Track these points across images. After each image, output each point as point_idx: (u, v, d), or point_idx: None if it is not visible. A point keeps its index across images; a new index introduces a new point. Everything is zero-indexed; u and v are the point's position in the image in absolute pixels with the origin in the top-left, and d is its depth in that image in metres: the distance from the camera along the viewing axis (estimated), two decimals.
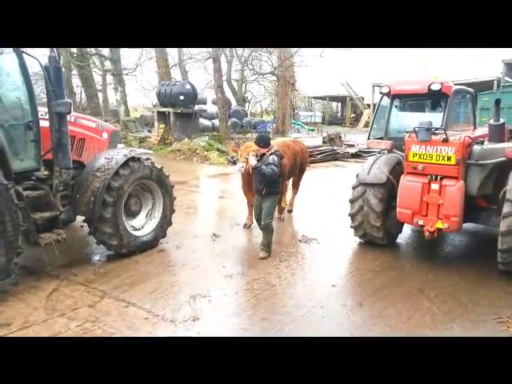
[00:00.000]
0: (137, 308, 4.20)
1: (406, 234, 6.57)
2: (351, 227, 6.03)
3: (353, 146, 18.24)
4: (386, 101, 6.65)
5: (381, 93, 6.48)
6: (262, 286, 4.74)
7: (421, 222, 5.32)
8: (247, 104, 35.83)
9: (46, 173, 5.22)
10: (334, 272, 5.19)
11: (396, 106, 6.51)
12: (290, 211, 7.84)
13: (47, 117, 5.04)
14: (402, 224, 5.98)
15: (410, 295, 4.60)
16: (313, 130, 25.65)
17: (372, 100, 31.23)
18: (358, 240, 6.21)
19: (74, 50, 21.70)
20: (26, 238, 4.66)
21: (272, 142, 5.89)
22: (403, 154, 5.61)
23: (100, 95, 27.75)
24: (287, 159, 6.80)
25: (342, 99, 37.85)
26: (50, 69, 4.87)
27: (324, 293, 4.60)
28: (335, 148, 16.47)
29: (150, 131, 19.93)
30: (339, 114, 41.51)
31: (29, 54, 4.84)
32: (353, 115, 36.52)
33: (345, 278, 5.11)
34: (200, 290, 4.63)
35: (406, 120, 6.51)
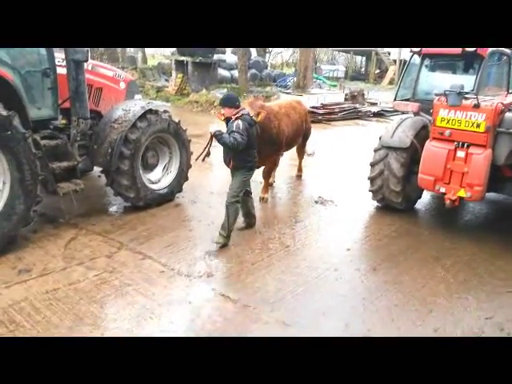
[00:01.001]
0: (153, 261, 4.27)
1: (424, 199, 6.44)
2: (370, 191, 5.92)
3: (375, 104, 17.64)
4: (416, 59, 6.29)
5: (411, 51, 6.11)
6: (277, 246, 4.75)
7: (442, 190, 5.17)
8: (267, 55, 34.64)
9: (64, 122, 5.18)
10: (349, 235, 5.16)
11: (426, 66, 6.15)
12: (299, 176, 7.43)
13: (64, 64, 4.92)
14: (422, 190, 5.84)
15: (426, 263, 4.56)
16: (335, 86, 24.80)
17: (399, 56, 29.87)
18: (375, 204, 6.12)
19: None
20: (44, 186, 4.71)
21: (247, 103, 4.91)
22: (430, 118, 5.37)
23: None
24: (291, 123, 6.14)
25: (366, 53, 36.20)
26: None
27: (338, 256, 4.59)
28: (357, 106, 15.94)
29: (167, 80, 19.53)
30: (363, 70, 39.91)
31: None
32: (377, 71, 35.05)
33: (360, 241, 5.08)
34: (214, 246, 4.66)
35: (435, 82, 6.17)
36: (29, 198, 4.26)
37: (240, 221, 5.05)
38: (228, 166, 4.68)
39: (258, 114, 4.62)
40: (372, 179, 5.81)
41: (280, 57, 42.60)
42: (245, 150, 4.47)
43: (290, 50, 39.39)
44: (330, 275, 4.19)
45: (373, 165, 5.78)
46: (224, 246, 4.61)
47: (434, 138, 5.24)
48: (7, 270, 3.91)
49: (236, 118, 4.40)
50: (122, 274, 3.98)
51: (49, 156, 4.69)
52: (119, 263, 4.18)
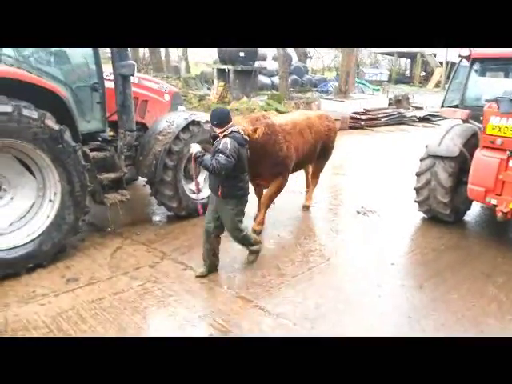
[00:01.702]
0: (194, 272, 4.32)
1: (474, 211, 6.13)
2: (415, 201, 5.70)
3: (421, 108, 17.07)
4: (465, 63, 6.01)
5: (460, 56, 5.84)
6: (318, 259, 4.67)
7: (494, 202, 4.88)
8: (308, 60, 34.47)
9: (111, 134, 5.39)
10: (393, 249, 4.98)
11: (476, 71, 5.86)
12: (306, 207, 6.13)
13: (111, 78, 5.12)
14: (472, 201, 5.55)
15: (476, 279, 4.32)
16: (378, 90, 24.25)
17: (445, 57, 28.78)
18: (421, 215, 5.88)
19: None
20: (92, 197, 4.90)
21: (241, 119, 4.53)
22: (480, 126, 5.10)
23: (162, 51, 27.94)
24: (303, 144, 5.33)
25: (411, 56, 35.17)
26: None
27: (382, 270, 4.44)
28: (402, 111, 15.50)
29: (209, 89, 19.89)
30: (408, 72, 38.76)
31: None
32: (423, 73, 33.98)
33: (405, 255, 4.89)
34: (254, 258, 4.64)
35: (486, 87, 5.88)
36: (78, 209, 4.45)
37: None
38: (216, 195, 3.96)
39: (255, 130, 4.15)
40: (418, 189, 5.60)
41: (321, 62, 42.27)
42: (234, 175, 3.81)
43: (332, 54, 39.00)
44: (373, 291, 4.06)
45: (419, 174, 5.57)
46: (253, 261, 4.46)
47: (484, 147, 4.97)
48: (57, 279, 4.09)
49: (224, 136, 3.77)
50: (165, 284, 4.05)
51: (97, 167, 4.88)
52: (162, 273, 4.27)
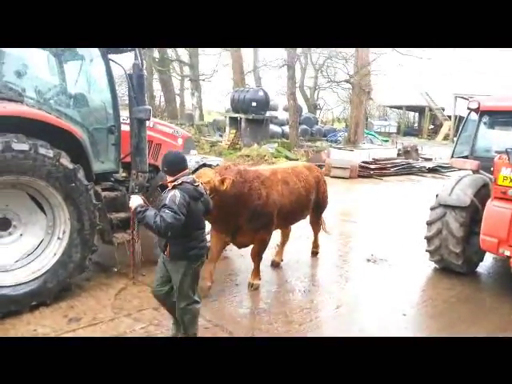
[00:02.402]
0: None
1: (487, 262, 5.98)
2: (427, 251, 5.60)
3: (430, 159, 17.22)
4: (474, 116, 6.12)
5: (469, 108, 5.97)
6: (326, 307, 4.54)
7: (507, 253, 4.77)
8: (318, 111, 35.45)
9: (124, 175, 5.48)
10: (404, 299, 4.83)
11: (485, 123, 5.96)
12: (314, 253, 6.04)
13: (127, 121, 5.29)
14: (485, 252, 5.44)
15: (489, 335, 4.13)
16: (387, 141, 24.64)
17: (453, 111, 29.39)
18: (432, 265, 5.75)
19: (156, 55, 22.90)
20: (101, 236, 4.90)
21: (208, 170, 4.19)
22: (491, 176, 5.10)
23: (177, 99, 29.04)
24: (290, 193, 4.86)
25: (419, 109, 36.03)
26: (133, 76, 5.09)
27: (393, 322, 4.29)
28: (411, 161, 15.64)
29: (221, 136, 20.43)
30: (416, 125, 39.54)
31: (115, 62, 5.12)
32: (431, 127, 34.58)
33: (417, 306, 4.73)
34: (260, 303, 4.55)
35: (495, 139, 5.95)
36: (86, 247, 4.45)
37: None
38: (163, 254, 3.37)
39: (222, 181, 3.89)
40: (429, 239, 5.52)
41: (331, 113, 43.42)
42: (186, 233, 3.20)
43: (341, 106, 40.09)
44: None
45: (430, 223, 5.51)
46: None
47: (496, 198, 4.93)
48: (59, 318, 4.01)
49: (173, 187, 3.19)
50: (167, 327, 3.93)
51: (108, 207, 4.93)
52: (165, 316, 4.13)
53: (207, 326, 4.03)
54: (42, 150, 4.05)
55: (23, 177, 4.02)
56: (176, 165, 3.34)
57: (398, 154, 17.13)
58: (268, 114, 18.58)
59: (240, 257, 5.93)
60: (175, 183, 3.22)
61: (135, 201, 3.27)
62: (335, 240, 6.93)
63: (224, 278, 5.18)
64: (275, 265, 5.60)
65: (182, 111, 28.02)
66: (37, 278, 4.18)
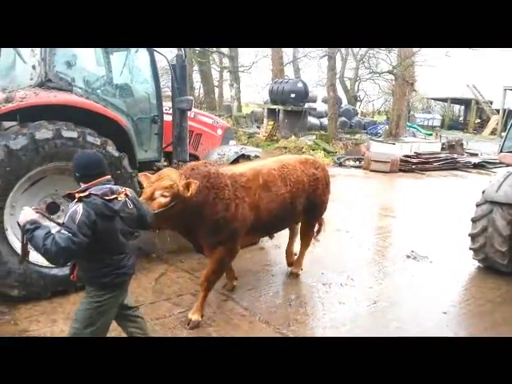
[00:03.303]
0: (235, 303, 4.29)
1: None
2: (470, 249, 5.40)
3: (476, 155, 16.48)
4: None
5: None
6: (362, 302, 4.48)
7: None
8: (358, 103, 34.70)
9: (165, 164, 5.61)
10: (446, 297, 4.69)
11: None
12: (295, 274, 4.99)
13: (170, 111, 5.41)
14: None
15: None
16: (430, 135, 23.77)
17: (502, 105, 27.93)
18: (476, 264, 5.54)
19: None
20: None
21: (170, 170, 3.54)
22: None
23: (216, 91, 29.29)
24: (268, 196, 4.02)
25: (465, 102, 34.47)
26: (176, 67, 5.19)
27: (433, 319, 4.17)
28: (455, 156, 15.04)
29: (258, 127, 20.44)
30: (461, 119, 37.87)
31: (159, 52, 5.23)
32: (478, 120, 33.04)
33: (459, 305, 4.58)
34: (296, 294, 4.56)
35: None
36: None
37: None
38: (70, 277, 2.77)
39: (187, 186, 3.28)
40: (473, 236, 5.31)
41: (371, 105, 42.39)
42: (97, 258, 2.60)
43: (382, 98, 39.05)
44: None
45: (475, 220, 5.30)
46: None
47: None
48: None
49: (79, 199, 2.48)
50: (205, 313, 4.02)
51: None
52: (205, 303, 4.25)
53: (244, 313, 4.09)
54: (89, 138, 4.22)
55: (72, 163, 4.20)
56: (89, 169, 2.62)
57: (442, 149, 16.51)
58: (306, 105, 18.37)
59: (276, 248, 5.96)
60: (81, 195, 2.49)
61: (26, 215, 2.44)
62: (374, 235, 6.81)
63: (260, 268, 5.23)
64: (295, 276, 4.94)
65: (221, 103, 28.23)
66: None
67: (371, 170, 12.89)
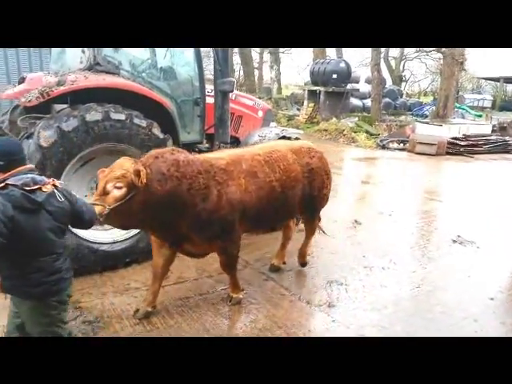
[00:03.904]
0: (275, 283, 4.35)
1: None
2: None
3: None
4: None
5: None
6: (405, 286, 4.41)
7: None
8: (404, 83, 33.40)
9: (207, 146, 5.70)
10: (493, 283, 4.52)
11: None
12: (302, 264, 4.68)
13: (212, 94, 5.46)
14: None
15: None
16: (480, 116, 22.54)
17: None
18: None
19: None
20: None
21: (124, 159, 3.09)
22: None
23: (256, 73, 29.12)
24: (256, 182, 3.57)
25: None
26: (218, 49, 5.21)
27: (479, 305, 4.04)
28: (507, 139, 14.22)
29: (298, 109, 20.20)
30: None
31: None
32: None
33: (507, 291, 4.40)
34: (337, 276, 4.54)
35: None
36: None
37: None
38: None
39: (137, 173, 2.89)
40: None
41: (417, 85, 40.67)
42: (18, 262, 2.26)
43: (429, 78, 37.37)
44: (468, 326, 3.70)
45: None
46: None
47: None
48: (148, 274, 4.35)
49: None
50: (246, 291, 4.12)
51: None
52: (244, 281, 4.34)
53: (284, 293, 4.15)
54: (136, 120, 4.36)
55: (120, 145, 4.37)
56: (8, 156, 2.29)
57: (493, 131, 15.63)
58: (349, 86, 17.92)
59: (316, 230, 5.94)
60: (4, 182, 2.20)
61: None
62: (418, 219, 6.63)
63: None
64: (273, 269, 4.56)
65: (260, 85, 28.09)
66: (130, 238, 4.58)
67: (416, 153, 12.47)
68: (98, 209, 2.75)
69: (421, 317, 3.81)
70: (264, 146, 4.02)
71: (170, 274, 4.38)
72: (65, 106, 4.30)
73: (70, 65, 4.79)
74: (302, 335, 3.47)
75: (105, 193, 2.87)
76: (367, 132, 14.85)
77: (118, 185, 2.87)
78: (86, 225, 2.66)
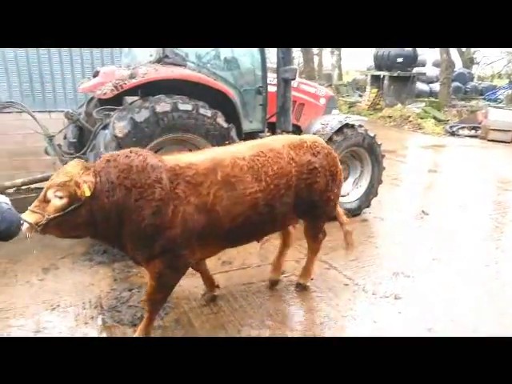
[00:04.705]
0: (337, 272, 4.32)
1: None
2: None
3: None
4: None
5: None
6: (476, 280, 4.19)
7: None
8: (475, 66, 31.08)
9: (268, 134, 5.74)
10: None
11: None
12: (301, 285, 3.97)
13: (274, 82, 5.47)
14: None
15: None
16: None
17: None
18: None
19: None
20: None
21: (76, 163, 2.73)
22: None
23: (316, 59, 28.56)
24: (229, 196, 2.96)
25: None
26: None
27: None
28: None
29: (360, 96, 19.59)
30: None
31: None
32: None
33: None
34: (403, 268, 4.41)
35: None
36: None
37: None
38: None
39: (78, 186, 2.54)
40: None
41: (490, 68, 37.69)
42: None
43: (504, 59, 34.44)
44: None
45: None
46: None
47: None
48: (214, 260, 4.51)
49: None
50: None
51: None
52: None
53: (347, 282, 4.11)
54: (202, 110, 4.50)
55: (186, 134, 4.54)
56: None
57: None
58: (415, 70, 17.05)
59: (380, 220, 5.80)
60: None
61: None
62: (491, 210, 6.23)
63: (363, 239, 5.15)
64: (271, 283, 3.99)
65: (320, 71, 27.53)
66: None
67: (489, 140, 11.65)
68: (35, 217, 2.51)
69: (492, 312, 3.61)
70: (255, 145, 3.34)
71: (234, 261, 4.52)
72: (135, 97, 4.54)
73: (140, 58, 5.03)
74: (366, 325, 3.43)
75: (45, 200, 2.57)
76: (435, 118, 14.09)
77: (59, 194, 2.55)
78: (5, 236, 2.42)
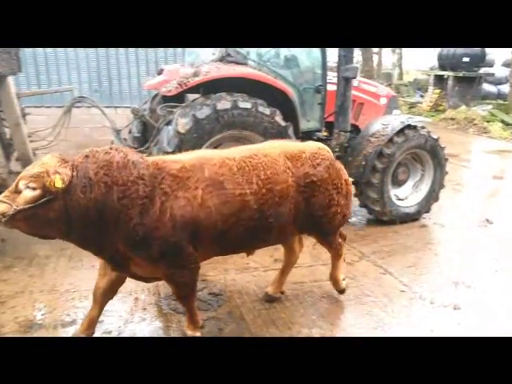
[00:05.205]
0: (393, 278, 4.20)
1: None
2: None
3: None
4: None
5: None
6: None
7: None
8: None
9: (325, 134, 5.69)
10: None
11: None
12: (339, 291, 3.79)
13: (333, 81, 5.40)
14: None
15: None
16: None
17: None
18: None
19: None
20: None
21: (52, 156, 2.58)
22: None
23: (375, 58, 27.78)
24: (222, 203, 2.78)
25: None
26: None
27: None
28: None
29: (422, 96, 18.80)
30: None
31: None
32: None
33: None
34: (463, 277, 4.20)
35: None
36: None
37: None
38: None
39: (48, 175, 2.41)
40: None
41: None
42: None
43: None
44: None
45: None
46: None
47: None
48: (266, 257, 4.57)
49: None
50: (362, 283, 4.06)
51: None
52: (360, 272, 4.28)
53: (403, 289, 3.98)
54: (260, 108, 4.55)
55: (245, 131, 4.61)
56: None
57: None
58: (482, 70, 16.07)
59: (440, 226, 5.56)
60: None
61: None
62: None
63: (421, 246, 4.96)
64: (268, 299, 3.73)
65: (379, 70, 26.75)
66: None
67: None
68: (2, 207, 2.37)
69: None
70: (247, 149, 3.17)
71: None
72: (197, 95, 4.68)
73: (203, 56, 5.17)
74: (423, 334, 3.31)
75: (16, 191, 2.43)
76: (503, 122, 13.23)
77: (31, 185, 2.40)
78: None
